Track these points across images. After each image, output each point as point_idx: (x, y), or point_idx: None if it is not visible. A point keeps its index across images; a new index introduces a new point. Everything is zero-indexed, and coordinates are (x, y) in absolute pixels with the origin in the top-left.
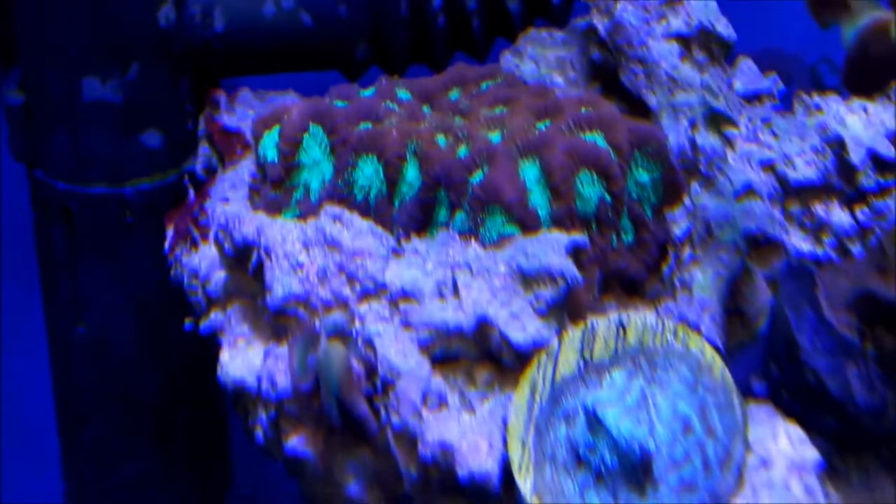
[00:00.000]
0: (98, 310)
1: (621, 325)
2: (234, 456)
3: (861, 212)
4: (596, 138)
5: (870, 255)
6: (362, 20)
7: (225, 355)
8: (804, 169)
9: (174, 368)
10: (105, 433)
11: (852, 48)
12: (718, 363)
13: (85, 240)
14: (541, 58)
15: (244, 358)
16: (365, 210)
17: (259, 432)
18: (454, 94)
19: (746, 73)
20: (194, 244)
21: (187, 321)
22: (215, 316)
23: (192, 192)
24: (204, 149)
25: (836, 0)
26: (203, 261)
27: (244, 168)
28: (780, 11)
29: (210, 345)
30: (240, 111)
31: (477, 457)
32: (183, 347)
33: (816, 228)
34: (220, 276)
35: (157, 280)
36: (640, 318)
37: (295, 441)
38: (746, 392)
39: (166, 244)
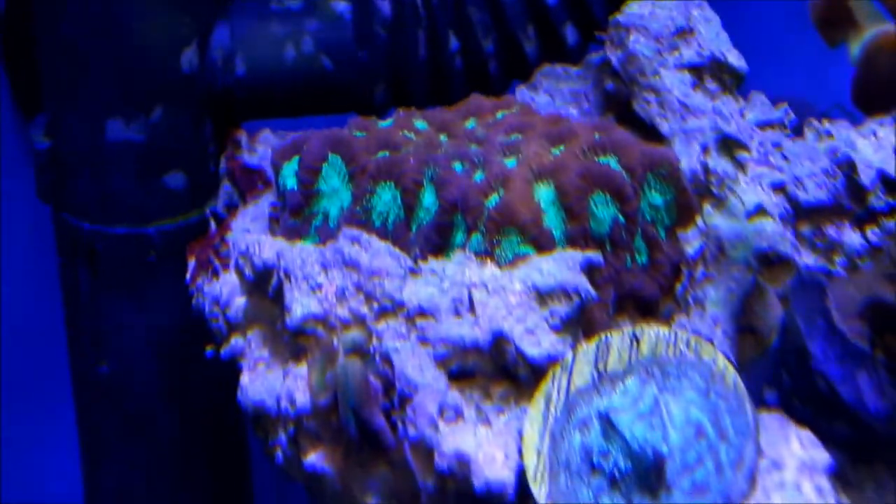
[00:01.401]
0: (120, 348)
1: (635, 338)
2: (256, 493)
3: (872, 231)
4: (609, 161)
5: (878, 264)
6: (382, 64)
7: (245, 378)
8: (815, 191)
9: (195, 405)
10: (127, 469)
11: (859, 63)
12: (731, 371)
13: (109, 279)
14: (555, 91)
15: (263, 380)
16: (383, 235)
17: (279, 452)
18: (470, 123)
19: (759, 106)
20: (215, 273)
21: (208, 348)
22: (235, 341)
23: (213, 225)
24: (226, 186)
25: (843, 18)
26: (224, 287)
27: (265, 202)
28: (790, 58)
29: (230, 378)
30: (261, 150)
31: (493, 467)
32: (204, 384)
33: (828, 249)
34: (240, 301)
35: (180, 318)
36: (654, 330)
37: (314, 457)
38: (758, 403)
39: (188, 274)
